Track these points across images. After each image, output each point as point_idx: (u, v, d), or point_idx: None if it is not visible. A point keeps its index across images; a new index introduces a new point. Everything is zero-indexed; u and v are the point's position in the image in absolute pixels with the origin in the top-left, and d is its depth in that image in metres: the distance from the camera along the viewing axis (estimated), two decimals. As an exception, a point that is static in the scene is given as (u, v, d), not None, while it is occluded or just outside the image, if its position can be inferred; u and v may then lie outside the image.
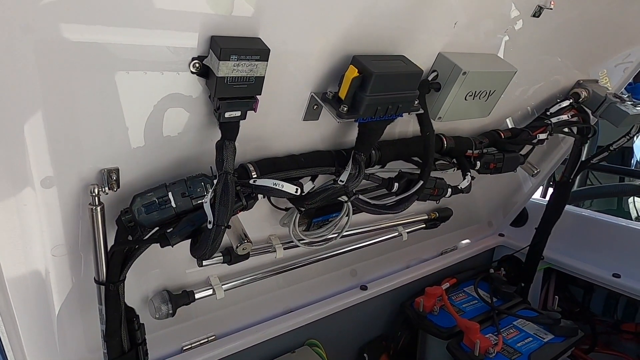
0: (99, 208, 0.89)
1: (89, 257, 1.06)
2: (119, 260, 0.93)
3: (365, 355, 1.98)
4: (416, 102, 1.09)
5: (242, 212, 0.98)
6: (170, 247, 1.19)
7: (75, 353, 1.29)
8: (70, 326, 1.22)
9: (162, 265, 1.27)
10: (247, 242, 1.09)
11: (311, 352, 1.74)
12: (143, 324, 1.07)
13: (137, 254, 0.94)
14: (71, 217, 0.97)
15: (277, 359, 1.69)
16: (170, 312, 1.22)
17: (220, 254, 1.25)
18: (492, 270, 2.21)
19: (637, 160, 3.82)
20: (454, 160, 1.43)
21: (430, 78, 1.19)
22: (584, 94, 1.63)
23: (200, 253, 0.90)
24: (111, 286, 0.93)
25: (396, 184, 1.22)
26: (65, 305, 1.17)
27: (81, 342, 1.29)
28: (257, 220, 1.32)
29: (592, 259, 2.11)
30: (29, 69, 0.77)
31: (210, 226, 0.86)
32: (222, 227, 0.86)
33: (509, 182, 2.26)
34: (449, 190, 1.35)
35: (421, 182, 1.20)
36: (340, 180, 1.08)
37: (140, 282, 1.26)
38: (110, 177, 0.87)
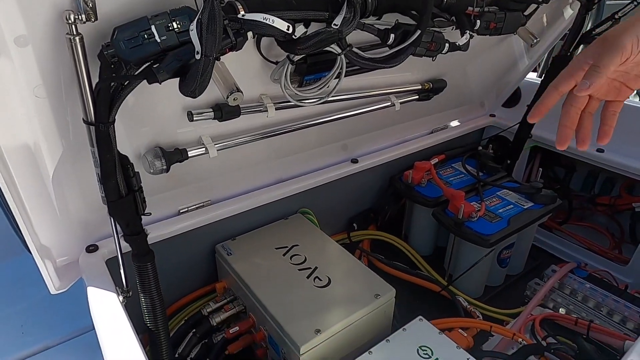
0: (77, 38, 0.83)
1: (76, 103, 1.04)
2: (106, 99, 0.90)
3: (354, 225, 2.08)
4: None
5: (230, 52, 0.93)
6: (159, 98, 1.16)
7: (75, 214, 1.33)
8: (67, 187, 1.24)
9: (151, 123, 1.26)
10: (238, 92, 1.06)
11: (303, 219, 1.82)
12: (138, 172, 1.08)
13: (124, 93, 0.91)
14: (49, 56, 0.92)
15: (270, 225, 1.77)
16: (164, 167, 1.23)
17: (211, 110, 1.23)
18: (480, 148, 2.25)
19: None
20: (453, 18, 1.35)
21: None
22: (597, -52, 1.51)
23: (189, 88, 0.87)
24: (101, 126, 0.92)
25: (392, 35, 1.17)
26: (60, 165, 1.17)
27: (80, 202, 1.32)
28: (247, 78, 1.27)
29: (579, 135, 2.14)
30: None
31: (198, 57, 0.82)
32: (211, 58, 0.82)
33: (505, 58, 2.20)
34: (447, 45, 1.30)
35: (418, 32, 1.15)
36: (334, 24, 1.02)
37: (131, 140, 1.25)
38: (85, 4, 0.81)
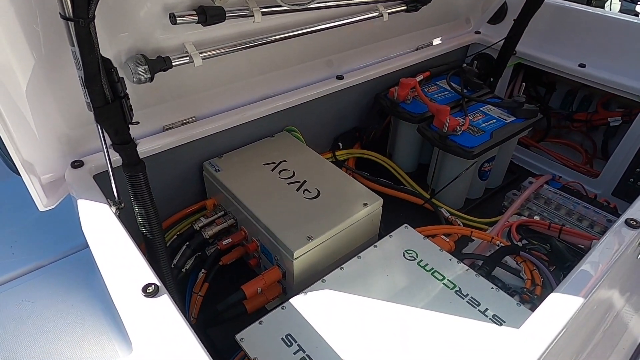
0: None
1: (46, 7, 0.96)
2: (83, -10, 0.83)
3: (339, 144, 2.09)
4: None
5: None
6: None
7: (55, 129, 1.29)
8: (43, 102, 1.19)
9: (132, 27, 1.18)
10: (224, -11, 0.99)
11: (289, 136, 1.82)
12: (123, 77, 1.03)
13: (102, -16, 0.85)
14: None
15: (257, 142, 1.76)
16: (148, 75, 1.18)
17: (194, 12, 1.16)
18: (465, 65, 2.24)
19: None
20: None
21: None
22: None
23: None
24: (81, 22, 0.86)
25: None
26: (33, 79, 1.11)
27: (59, 118, 1.27)
28: (231, -21, 1.20)
29: (562, 51, 2.15)
30: None
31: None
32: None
33: (495, -32, 2.13)
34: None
35: None
36: None
37: (112, 46, 1.18)
38: None
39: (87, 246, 1.16)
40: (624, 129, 2.07)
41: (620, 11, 3.48)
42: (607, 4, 3.43)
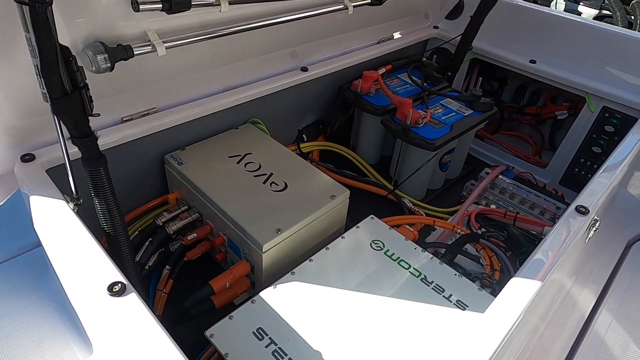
0: None
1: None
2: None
3: (304, 136, 2.09)
4: None
5: None
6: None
7: (1, 120, 1.20)
8: None
9: (90, 12, 1.11)
10: (190, -24, 0.96)
11: (254, 128, 1.79)
12: (82, 66, 0.97)
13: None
14: None
15: (221, 134, 1.73)
16: (108, 65, 1.12)
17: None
18: (424, 59, 2.29)
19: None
20: None
21: None
22: None
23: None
24: (37, 6, 0.80)
25: None
26: None
27: (5, 107, 1.19)
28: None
29: (514, 47, 2.25)
30: None
31: None
32: None
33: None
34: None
35: None
36: None
37: (69, 33, 1.11)
38: None
39: (39, 245, 1.09)
40: (570, 122, 2.21)
41: (565, 10, 3.69)
42: (553, 3, 3.63)
